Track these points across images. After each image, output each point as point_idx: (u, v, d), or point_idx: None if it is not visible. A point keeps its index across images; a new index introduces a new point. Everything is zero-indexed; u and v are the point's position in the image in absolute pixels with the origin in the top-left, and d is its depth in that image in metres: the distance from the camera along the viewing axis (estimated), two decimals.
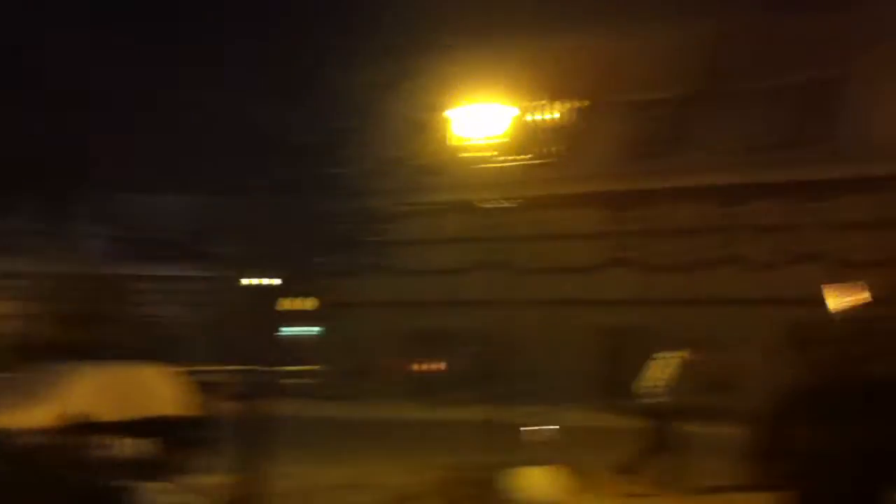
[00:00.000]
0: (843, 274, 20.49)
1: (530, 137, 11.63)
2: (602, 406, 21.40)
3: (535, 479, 10.79)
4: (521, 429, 11.69)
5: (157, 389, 12.31)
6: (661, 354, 12.49)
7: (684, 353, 12.37)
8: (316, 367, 26.91)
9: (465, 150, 11.22)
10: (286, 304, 12.43)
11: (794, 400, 4.39)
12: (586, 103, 23.00)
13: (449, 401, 22.55)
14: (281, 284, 10.60)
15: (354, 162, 11.13)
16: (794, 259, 21.57)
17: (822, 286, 15.58)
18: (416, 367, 24.90)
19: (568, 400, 21.36)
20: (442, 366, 24.88)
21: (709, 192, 22.42)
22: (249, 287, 13.20)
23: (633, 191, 23.19)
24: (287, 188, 10.06)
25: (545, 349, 22.19)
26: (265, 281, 11.05)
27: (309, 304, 26.43)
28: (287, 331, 26.24)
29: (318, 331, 28.39)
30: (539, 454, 11.19)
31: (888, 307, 19.31)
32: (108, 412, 11.16)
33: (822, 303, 17.95)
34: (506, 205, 11.35)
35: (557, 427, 16.66)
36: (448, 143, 12.40)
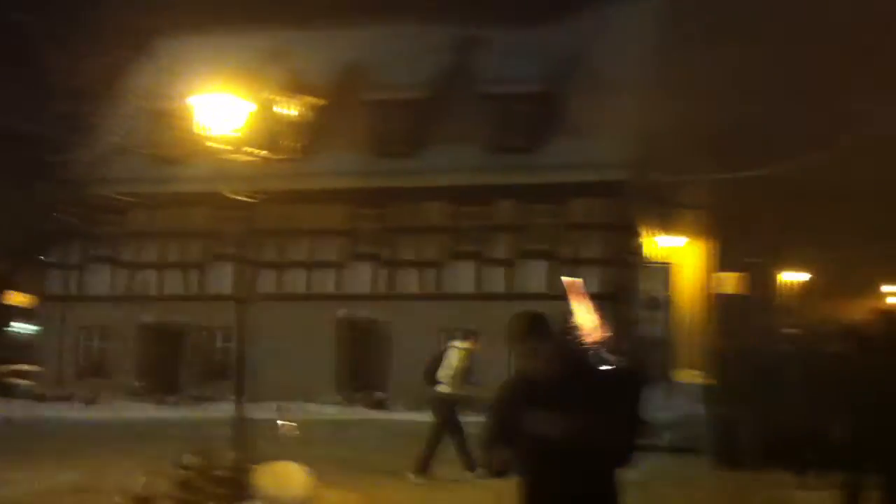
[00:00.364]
0: (571, 271, 22.00)
1: (273, 132, 11.38)
2: (348, 399, 21.54)
3: (281, 475, 10.59)
4: (270, 424, 11.45)
5: None
6: (453, 343, 12.81)
7: (470, 343, 12.78)
8: (37, 367, 24.92)
9: (208, 140, 10.77)
10: (7, 298, 11.37)
11: (514, 388, 4.58)
12: (329, 100, 23.03)
13: (192, 398, 21.75)
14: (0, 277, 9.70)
15: (81, 150, 10.35)
16: (528, 256, 22.72)
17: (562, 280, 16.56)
18: (154, 363, 23.63)
19: (314, 394, 21.28)
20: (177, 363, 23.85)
21: (448, 192, 23.08)
22: None
23: (375, 189, 23.45)
24: (4, 176, 9.23)
25: (292, 344, 21.95)
26: None
27: (30, 298, 24.46)
28: (7, 328, 24.18)
29: (39, 327, 26.36)
30: (286, 449, 11.02)
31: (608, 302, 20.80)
32: None
33: (550, 296, 19.04)
34: (249, 199, 10.99)
35: (304, 421, 16.52)
36: (189, 133, 11.86)
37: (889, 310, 11.10)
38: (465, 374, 12.59)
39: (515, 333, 4.43)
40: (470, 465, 11.88)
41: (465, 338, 12.88)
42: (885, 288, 41.07)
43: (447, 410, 12.21)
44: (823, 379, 10.84)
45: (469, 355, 12.73)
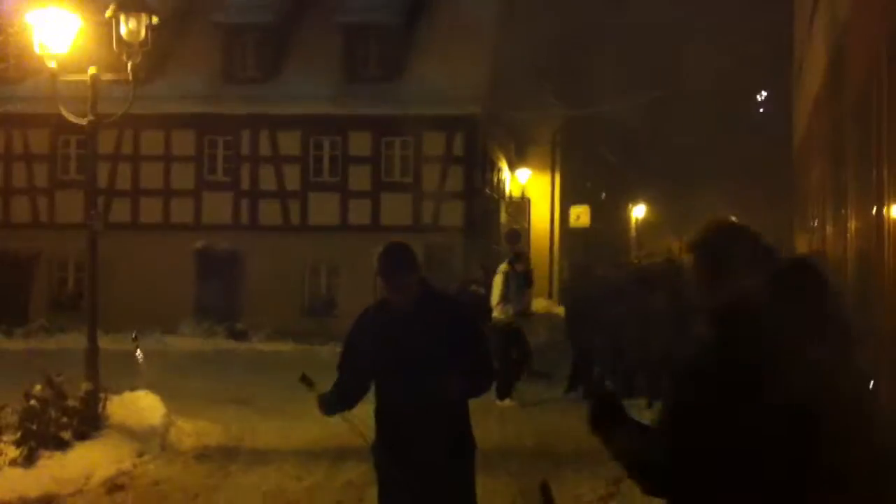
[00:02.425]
0: (432, 205, 22.20)
1: (115, 51, 10.82)
2: (208, 330, 21.11)
3: (135, 405, 10.43)
4: (126, 354, 11.18)
5: None
6: (500, 267, 12.58)
7: (505, 265, 12.60)
8: None
9: (47, 59, 10.20)
10: None
11: (367, 319, 4.72)
12: (175, 20, 22.07)
13: (42, 328, 20.81)
14: None
15: None
16: (388, 188, 22.68)
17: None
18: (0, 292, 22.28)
19: (173, 325, 20.78)
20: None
21: (303, 122, 22.65)
22: None
23: (227, 115, 22.72)
24: None
25: (149, 274, 21.29)
26: None
27: None
28: None
29: None
30: (142, 379, 10.83)
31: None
32: None
33: (413, 228, 19.07)
34: (91, 121, 10.51)
35: (163, 352, 16.20)
36: (28, 51, 11.20)
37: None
38: (504, 297, 12.41)
39: (382, 266, 4.49)
40: (499, 394, 11.91)
41: (510, 261, 12.66)
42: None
43: (496, 336, 11.86)
44: (651, 309, 11.46)
45: (506, 278, 12.49)
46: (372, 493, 7.83)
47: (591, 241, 29.06)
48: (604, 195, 34.52)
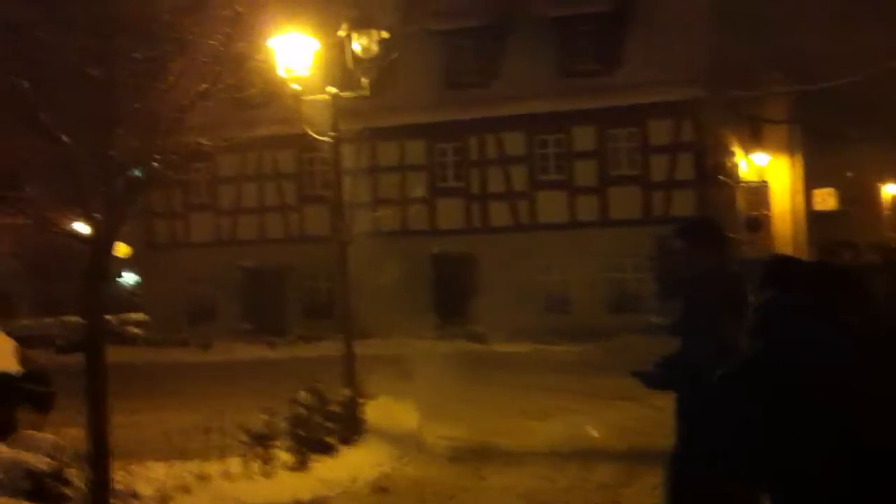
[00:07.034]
0: (663, 195, 21.65)
1: (348, 69, 11.30)
2: (448, 333, 21.73)
3: (391, 410, 10.83)
4: (373, 359, 11.62)
5: None
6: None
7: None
8: (144, 315, 25.69)
9: (290, 82, 10.80)
10: (114, 249, 11.59)
11: None
12: (395, 32, 22.73)
13: (299, 338, 22.22)
14: (100, 229, 9.88)
15: (164, 96, 10.41)
16: (615, 182, 22.40)
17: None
18: (259, 305, 24.05)
19: (414, 329, 21.57)
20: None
21: (524, 121, 22.78)
22: (70, 232, 12.28)
23: (451, 121, 23.24)
24: (85, 126, 9.27)
25: (388, 279, 22.21)
26: (80, 225, 10.28)
27: (126, 248, 25.18)
28: (117, 279, 24.95)
29: (139, 277, 27.18)
30: (391, 383, 11.23)
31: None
32: None
33: (643, 222, 18.69)
34: (332, 138, 11.03)
35: (407, 355, 16.76)
36: (268, 75, 11.90)
37: None
38: None
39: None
40: None
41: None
42: None
43: None
44: None
45: None
46: (627, 495, 7.80)
47: (840, 225, 27.28)
48: (850, 174, 32.29)
